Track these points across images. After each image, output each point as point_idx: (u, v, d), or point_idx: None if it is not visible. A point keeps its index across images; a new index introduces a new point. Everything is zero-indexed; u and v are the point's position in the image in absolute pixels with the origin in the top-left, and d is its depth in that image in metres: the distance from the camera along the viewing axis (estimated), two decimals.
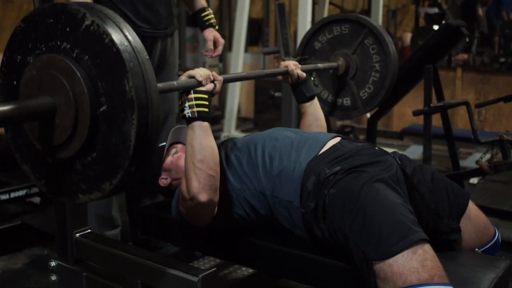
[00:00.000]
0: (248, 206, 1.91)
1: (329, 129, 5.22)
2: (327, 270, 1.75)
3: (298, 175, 1.80)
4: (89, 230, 1.97)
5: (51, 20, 1.40)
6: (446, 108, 3.13)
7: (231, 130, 5.62)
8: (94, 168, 1.38)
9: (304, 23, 4.83)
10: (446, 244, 1.92)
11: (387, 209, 1.61)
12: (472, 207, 1.96)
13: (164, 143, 2.11)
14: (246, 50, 6.33)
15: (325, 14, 5.96)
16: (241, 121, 6.51)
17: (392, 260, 1.52)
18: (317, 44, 2.72)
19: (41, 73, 1.40)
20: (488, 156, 3.15)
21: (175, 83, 1.75)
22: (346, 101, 2.67)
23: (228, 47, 6.40)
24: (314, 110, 2.30)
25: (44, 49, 1.42)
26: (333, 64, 2.59)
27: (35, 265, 2.89)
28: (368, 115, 4.53)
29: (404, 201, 1.70)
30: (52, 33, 1.40)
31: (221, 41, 2.66)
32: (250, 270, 2.54)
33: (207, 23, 2.69)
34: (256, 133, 2.12)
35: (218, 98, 6.74)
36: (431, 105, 2.99)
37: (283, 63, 2.28)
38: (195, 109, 1.74)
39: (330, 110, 2.70)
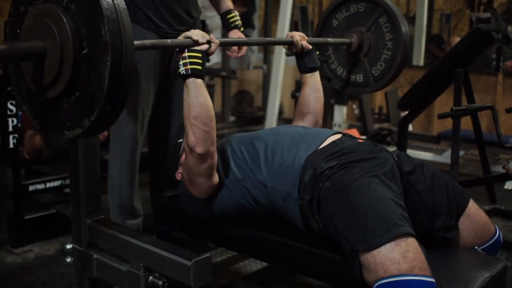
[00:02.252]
0: (250, 195, 1.97)
1: (367, 132, 5.28)
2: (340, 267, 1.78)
3: (297, 169, 1.86)
4: (101, 216, 2.08)
5: None
6: (470, 111, 3.12)
7: None
8: (76, 106, 1.53)
9: None
10: (443, 241, 1.96)
11: (374, 203, 1.66)
12: (472, 206, 1.98)
13: (182, 140, 2.19)
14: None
15: None
16: (284, 122, 6.54)
17: (375, 251, 1.57)
18: (335, 22, 2.74)
19: (36, 20, 1.56)
20: None
21: (169, 41, 1.88)
22: (359, 78, 2.69)
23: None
24: (314, 81, 2.34)
25: None
26: (346, 40, 2.60)
27: None
28: (404, 113, 4.52)
29: (396, 196, 1.73)
30: None
31: None
32: (264, 264, 2.60)
33: (232, 25, 2.80)
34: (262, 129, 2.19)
35: (262, 99, 6.84)
36: (454, 108, 2.99)
37: (289, 34, 2.32)
38: (189, 66, 1.83)
39: (343, 86, 2.74)
